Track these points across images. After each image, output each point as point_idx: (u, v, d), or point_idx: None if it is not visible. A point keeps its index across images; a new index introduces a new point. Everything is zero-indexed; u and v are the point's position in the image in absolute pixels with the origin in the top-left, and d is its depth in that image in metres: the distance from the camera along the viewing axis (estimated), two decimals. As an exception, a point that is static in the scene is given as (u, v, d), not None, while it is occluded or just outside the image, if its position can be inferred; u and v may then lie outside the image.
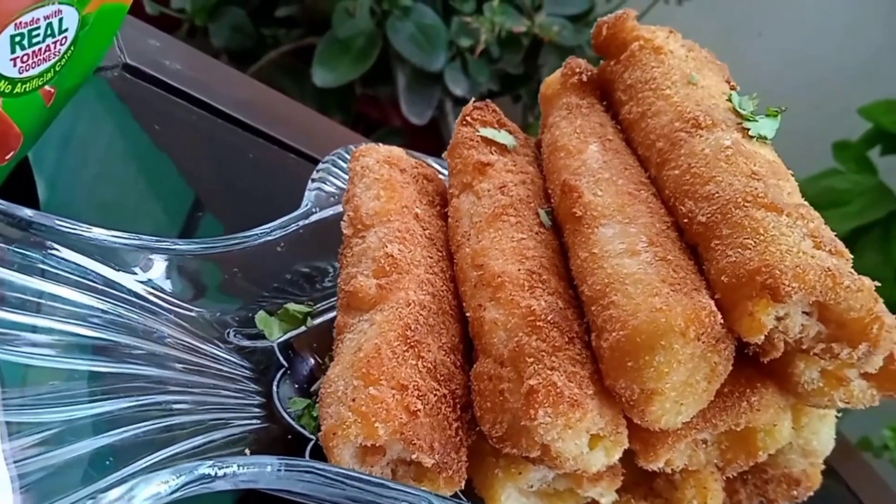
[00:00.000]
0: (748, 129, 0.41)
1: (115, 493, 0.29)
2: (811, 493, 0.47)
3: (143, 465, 0.32)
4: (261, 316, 0.42)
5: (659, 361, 0.33)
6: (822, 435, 0.43)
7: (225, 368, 0.40)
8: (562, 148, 0.44)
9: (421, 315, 0.38)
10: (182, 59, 0.62)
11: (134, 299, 0.40)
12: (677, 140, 0.41)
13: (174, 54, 0.62)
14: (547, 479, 0.39)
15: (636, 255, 0.37)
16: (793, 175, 0.40)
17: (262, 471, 0.31)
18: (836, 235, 0.38)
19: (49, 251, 0.39)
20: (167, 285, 0.42)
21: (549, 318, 0.36)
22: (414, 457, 0.34)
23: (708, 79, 0.45)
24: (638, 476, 0.43)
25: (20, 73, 0.36)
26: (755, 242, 0.34)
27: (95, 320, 0.39)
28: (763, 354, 0.36)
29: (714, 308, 0.34)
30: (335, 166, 0.50)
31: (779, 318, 0.35)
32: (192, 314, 0.41)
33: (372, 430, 0.33)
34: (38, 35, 0.36)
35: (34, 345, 0.37)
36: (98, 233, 0.40)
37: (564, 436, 0.34)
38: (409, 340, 0.37)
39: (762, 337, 0.35)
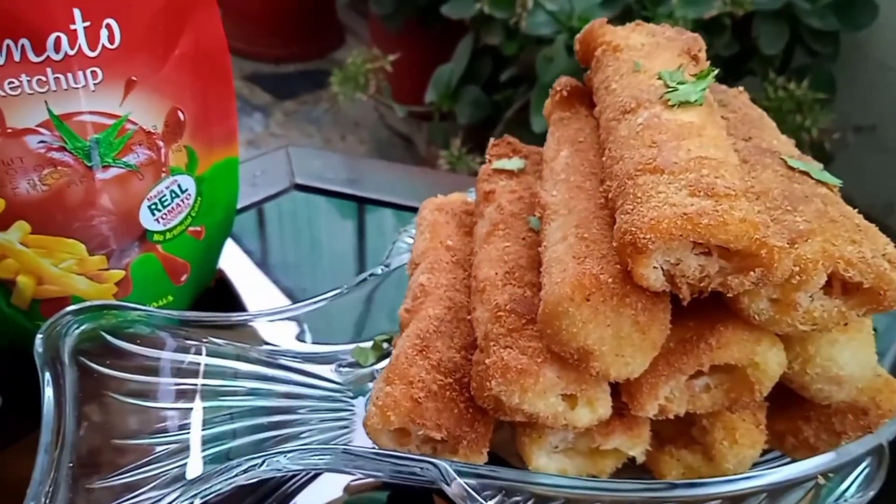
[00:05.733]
0: (669, 100, 0.44)
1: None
2: (888, 419, 0.46)
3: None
4: (356, 349, 0.56)
5: (567, 325, 0.40)
6: (842, 360, 0.43)
7: (332, 394, 0.55)
8: (545, 160, 0.52)
9: (433, 324, 0.49)
10: (339, 167, 0.80)
11: (274, 360, 0.57)
12: (610, 129, 0.46)
13: (333, 165, 0.80)
14: (568, 439, 0.46)
15: (565, 239, 0.43)
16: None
17: (310, 455, 0.45)
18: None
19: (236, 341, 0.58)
20: (303, 339, 0.59)
21: (507, 307, 0.45)
22: (421, 433, 0.45)
23: (657, 60, 0.49)
24: (679, 428, 0.48)
25: (164, 226, 0.56)
26: (633, 206, 0.39)
27: (255, 380, 0.57)
28: (682, 298, 0.40)
29: (595, 271, 0.39)
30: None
31: (675, 264, 0.39)
32: (311, 358, 0.57)
33: (386, 418, 0.45)
34: (166, 200, 0.55)
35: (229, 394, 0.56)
36: (246, 316, 0.58)
37: (525, 399, 0.42)
38: (418, 346, 0.48)
39: (662, 284, 0.39)
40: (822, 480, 0.44)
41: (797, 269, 0.39)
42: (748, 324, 0.42)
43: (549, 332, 0.41)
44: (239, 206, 0.72)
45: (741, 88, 0.56)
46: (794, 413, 0.47)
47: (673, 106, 0.44)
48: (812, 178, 0.45)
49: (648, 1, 1.38)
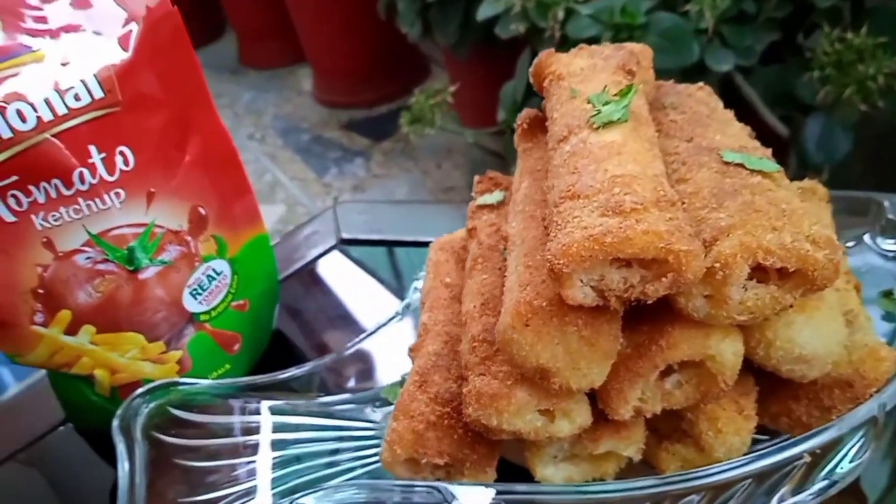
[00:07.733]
0: (594, 123, 0.47)
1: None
2: (875, 388, 0.46)
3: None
4: (385, 389, 0.62)
5: (517, 350, 0.44)
6: (801, 340, 0.44)
7: (370, 432, 0.61)
8: (512, 192, 0.55)
9: (431, 360, 0.54)
10: (383, 216, 0.87)
11: (324, 409, 0.64)
12: (550, 158, 0.49)
13: (379, 216, 0.87)
14: (564, 448, 0.50)
15: (516, 269, 0.47)
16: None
17: (334, 492, 0.51)
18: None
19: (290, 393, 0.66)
20: (344, 383, 0.65)
21: (480, 337, 0.49)
22: (424, 461, 0.50)
23: (591, 83, 0.51)
24: (673, 424, 0.50)
25: (208, 306, 0.64)
26: (555, 234, 0.43)
27: (309, 430, 0.64)
28: (613, 309, 0.42)
29: (530, 297, 0.43)
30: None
31: (599, 280, 0.42)
32: (348, 403, 0.63)
33: (393, 452, 0.50)
34: (204, 284, 0.64)
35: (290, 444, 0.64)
36: (293, 372, 0.66)
37: (503, 420, 0.46)
38: (417, 382, 0.53)
39: (593, 300, 0.42)
40: (808, 458, 0.45)
41: (718, 265, 0.41)
42: (695, 321, 0.44)
43: (507, 358, 0.45)
44: (289, 270, 0.80)
45: (701, 84, 0.57)
46: (784, 394, 0.48)
47: (598, 128, 0.47)
48: (746, 169, 0.46)
49: (688, -19, 1.36)
